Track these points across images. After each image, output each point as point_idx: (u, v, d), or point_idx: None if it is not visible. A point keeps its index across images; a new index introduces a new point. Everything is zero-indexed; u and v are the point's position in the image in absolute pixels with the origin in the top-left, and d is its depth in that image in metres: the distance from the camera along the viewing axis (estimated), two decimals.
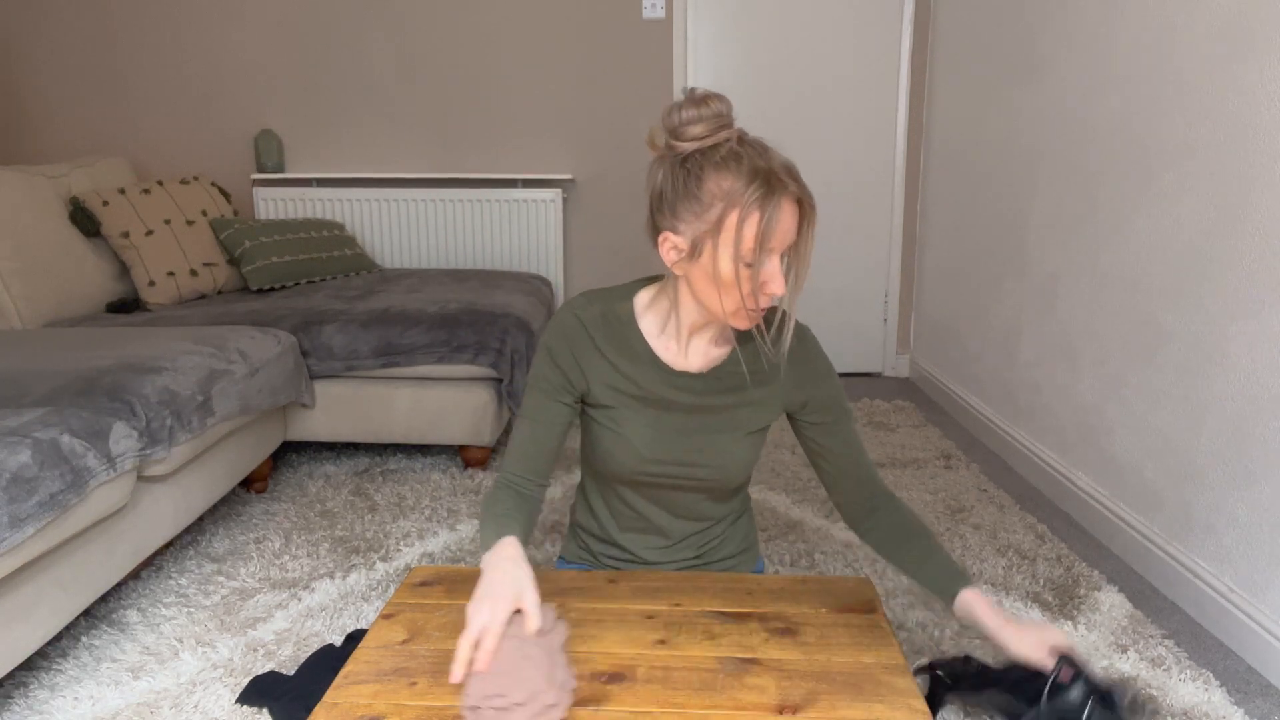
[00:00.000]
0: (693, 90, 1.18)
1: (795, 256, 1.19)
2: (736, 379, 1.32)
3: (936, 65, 3.69)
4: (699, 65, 3.81)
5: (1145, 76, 2.19)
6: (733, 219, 1.13)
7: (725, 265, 1.15)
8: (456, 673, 1.02)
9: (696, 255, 1.17)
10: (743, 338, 1.34)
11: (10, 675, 1.78)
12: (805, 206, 1.16)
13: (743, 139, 1.17)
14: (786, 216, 1.14)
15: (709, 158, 1.15)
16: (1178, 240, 2.06)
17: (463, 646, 1.03)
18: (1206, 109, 1.96)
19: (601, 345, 1.31)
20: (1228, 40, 1.89)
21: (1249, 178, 1.82)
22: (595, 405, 1.34)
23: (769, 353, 1.32)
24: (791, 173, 1.15)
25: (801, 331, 1.35)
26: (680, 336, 1.30)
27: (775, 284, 1.16)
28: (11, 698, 1.70)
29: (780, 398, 1.34)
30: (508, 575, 1.09)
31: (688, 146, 1.16)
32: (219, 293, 3.26)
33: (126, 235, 3.09)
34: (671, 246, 1.20)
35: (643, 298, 1.34)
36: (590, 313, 1.32)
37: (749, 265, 1.14)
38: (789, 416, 1.38)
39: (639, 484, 1.39)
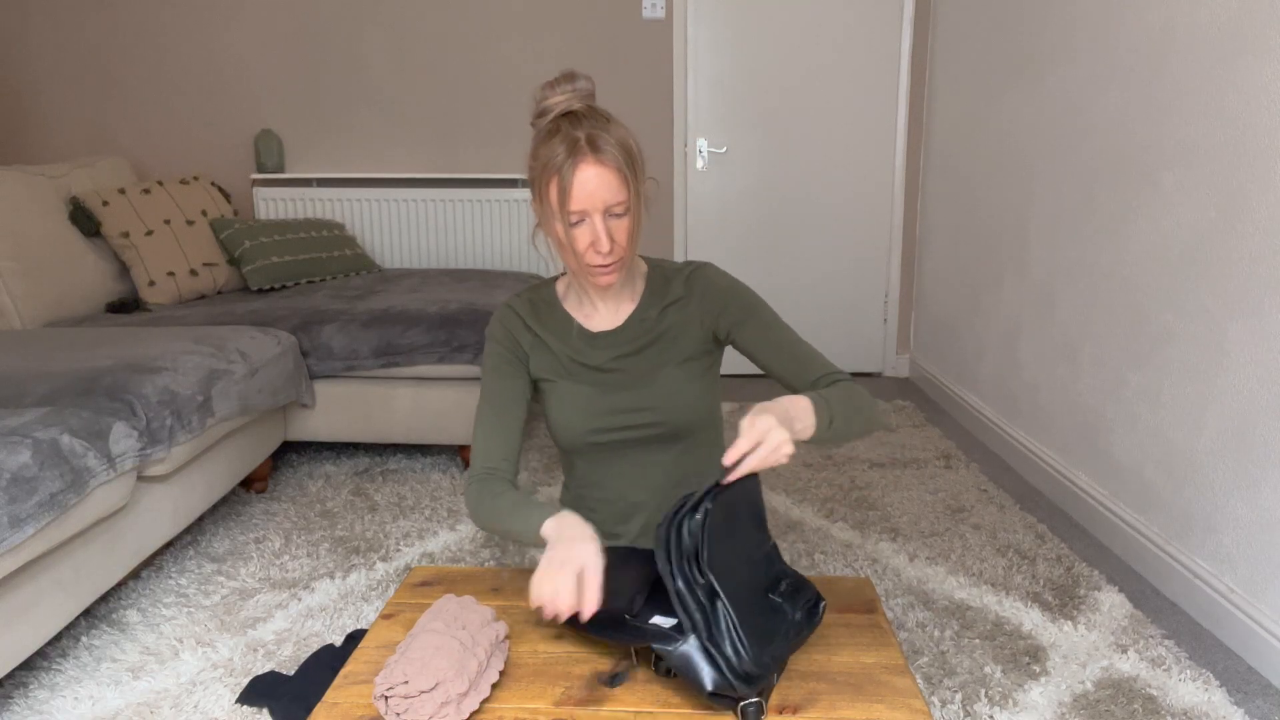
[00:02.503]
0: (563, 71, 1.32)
1: (630, 208, 1.28)
2: (649, 320, 1.42)
3: (936, 65, 3.69)
4: (699, 65, 3.81)
5: (1145, 77, 2.19)
6: (545, 185, 1.26)
7: (553, 228, 1.28)
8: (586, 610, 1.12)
9: (542, 221, 1.31)
10: (648, 282, 1.45)
11: (10, 675, 1.78)
12: (614, 169, 1.24)
13: (574, 112, 1.27)
14: (589, 179, 1.23)
15: (540, 132, 1.29)
16: (1178, 240, 2.06)
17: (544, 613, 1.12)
18: (1206, 109, 1.96)
19: (533, 325, 1.42)
20: (1227, 40, 1.89)
21: (1248, 178, 1.82)
22: (541, 381, 1.44)
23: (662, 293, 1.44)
24: (595, 141, 1.23)
25: (694, 268, 1.44)
26: (593, 302, 1.42)
27: (600, 243, 1.25)
28: (11, 698, 1.71)
29: (696, 322, 1.42)
30: (574, 550, 1.15)
31: (535, 123, 1.30)
32: (219, 293, 3.26)
33: (126, 235, 3.09)
34: (534, 214, 1.34)
35: (563, 281, 1.47)
36: (519, 302, 1.45)
37: (571, 226, 1.26)
38: (726, 342, 1.45)
39: (602, 448, 1.42)
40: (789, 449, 1.10)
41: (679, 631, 1.09)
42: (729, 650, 1.04)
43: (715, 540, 1.08)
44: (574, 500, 1.53)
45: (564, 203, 1.24)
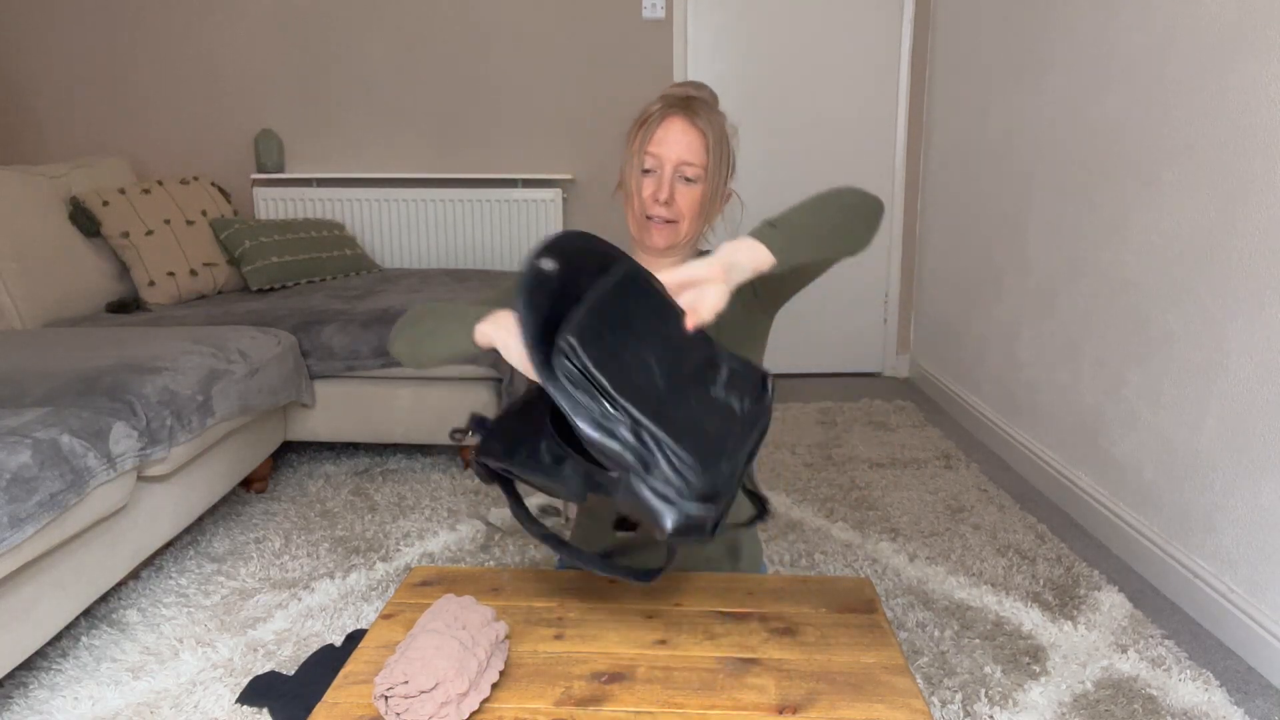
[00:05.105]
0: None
1: (703, 179, 1.33)
2: None
3: (936, 65, 3.69)
4: (699, 65, 3.81)
5: (1145, 76, 2.19)
6: (634, 131, 1.34)
7: (630, 173, 1.34)
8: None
9: (622, 173, 1.37)
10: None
11: (10, 675, 1.78)
12: (701, 132, 1.31)
13: (691, 96, 1.35)
14: (674, 129, 1.30)
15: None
16: (1178, 240, 2.06)
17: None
18: (1206, 109, 1.96)
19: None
20: (1227, 40, 1.89)
21: (1249, 178, 1.82)
22: None
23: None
24: (692, 105, 1.31)
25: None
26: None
27: (661, 190, 1.31)
28: (11, 698, 1.71)
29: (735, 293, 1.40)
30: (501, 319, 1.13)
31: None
32: (219, 293, 3.26)
33: (126, 235, 3.09)
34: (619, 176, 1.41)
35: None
36: None
37: (645, 172, 1.32)
38: (768, 296, 1.41)
39: None
40: (713, 295, 1.04)
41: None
42: (675, 479, 0.92)
43: (609, 358, 0.94)
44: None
45: (644, 143, 1.31)
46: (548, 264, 1.00)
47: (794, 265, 1.13)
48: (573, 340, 0.93)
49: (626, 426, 0.92)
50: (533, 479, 1.03)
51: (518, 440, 1.06)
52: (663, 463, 0.91)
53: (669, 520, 0.91)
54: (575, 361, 0.93)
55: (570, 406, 0.92)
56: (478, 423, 1.13)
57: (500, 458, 1.07)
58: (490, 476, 1.13)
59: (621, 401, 0.92)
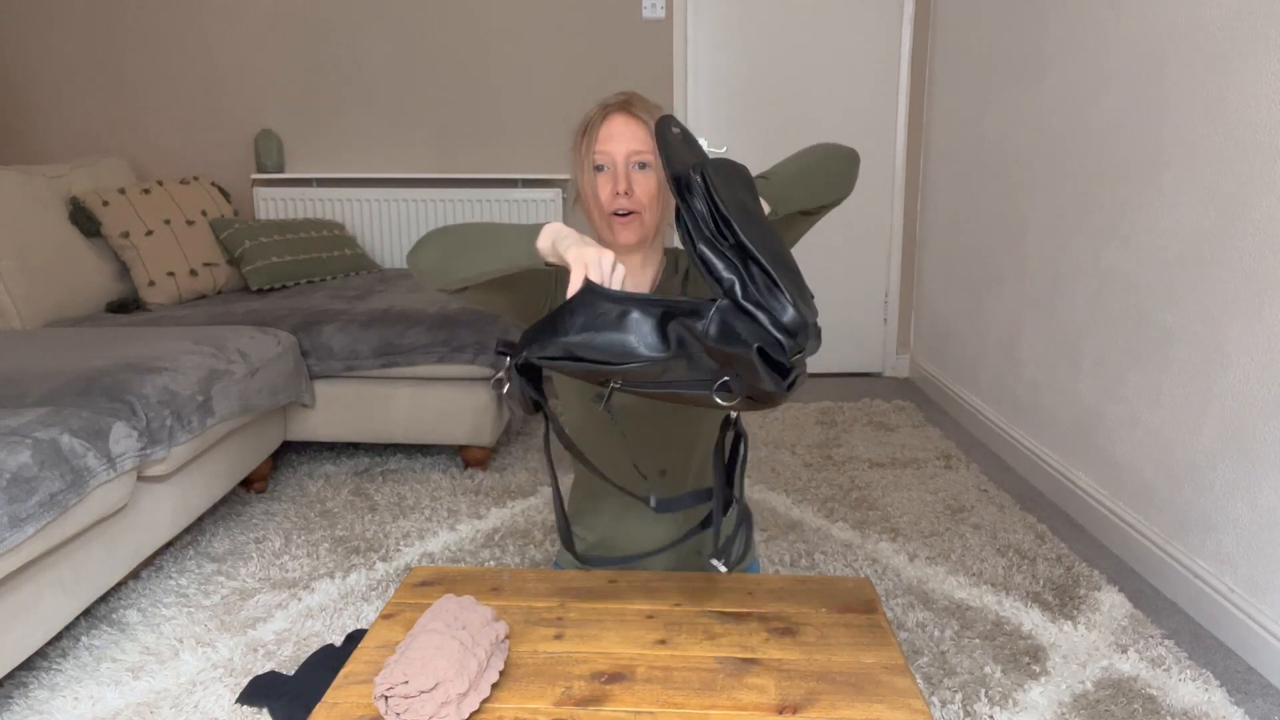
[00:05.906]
0: None
1: (655, 164, 1.34)
2: (671, 288, 1.45)
3: (936, 65, 3.69)
4: (699, 65, 3.81)
5: (1145, 77, 2.19)
6: (579, 140, 1.35)
7: (583, 179, 1.35)
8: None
9: (577, 185, 1.38)
10: (662, 265, 1.48)
11: (10, 675, 1.78)
12: (643, 122, 1.33)
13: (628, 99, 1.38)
14: (616, 126, 1.33)
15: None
16: (1178, 240, 2.06)
17: (581, 275, 1.03)
18: (1206, 109, 1.96)
19: (560, 284, 1.43)
20: (1227, 40, 1.89)
21: (1249, 178, 1.82)
22: None
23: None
24: (630, 102, 1.33)
25: None
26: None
27: (619, 183, 1.32)
28: (11, 698, 1.71)
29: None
30: (586, 238, 1.09)
31: None
32: (219, 293, 3.26)
33: (126, 235, 3.09)
34: (574, 187, 1.41)
35: None
36: (557, 271, 1.46)
37: (598, 170, 1.33)
38: None
39: (626, 406, 1.42)
40: None
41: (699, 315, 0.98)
42: (771, 303, 0.95)
43: (732, 198, 1.00)
44: (586, 491, 1.54)
45: (591, 145, 1.32)
46: (677, 129, 1.09)
47: (788, 212, 1.19)
48: (708, 170, 1.01)
49: (733, 251, 0.98)
50: (595, 340, 0.99)
51: (562, 318, 1.02)
52: (764, 291, 0.96)
53: (755, 338, 0.94)
54: (706, 184, 1.00)
55: (692, 224, 0.99)
56: (505, 345, 1.11)
57: (551, 336, 1.02)
58: (529, 403, 1.11)
59: (737, 229, 0.98)
